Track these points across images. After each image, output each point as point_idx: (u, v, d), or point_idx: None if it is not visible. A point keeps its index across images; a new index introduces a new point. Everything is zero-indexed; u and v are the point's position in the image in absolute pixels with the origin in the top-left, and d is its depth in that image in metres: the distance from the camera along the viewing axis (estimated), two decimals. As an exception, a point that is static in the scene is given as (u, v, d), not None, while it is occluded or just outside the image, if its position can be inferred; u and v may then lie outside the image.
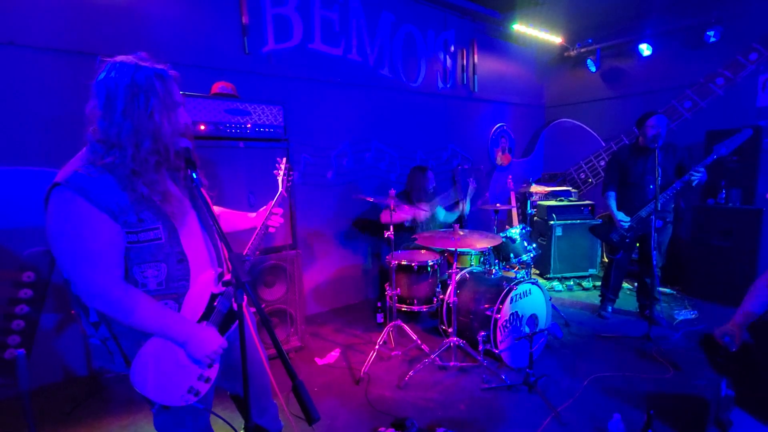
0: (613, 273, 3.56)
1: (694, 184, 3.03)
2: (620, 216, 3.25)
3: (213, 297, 1.27)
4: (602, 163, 5.38)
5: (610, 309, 3.65)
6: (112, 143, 1.10)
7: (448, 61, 4.75)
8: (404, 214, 3.48)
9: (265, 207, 1.64)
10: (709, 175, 4.00)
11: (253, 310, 1.64)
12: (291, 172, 1.80)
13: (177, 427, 1.29)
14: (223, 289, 1.29)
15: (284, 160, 1.81)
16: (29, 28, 2.45)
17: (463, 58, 4.89)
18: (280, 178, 1.76)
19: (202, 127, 2.50)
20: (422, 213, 3.56)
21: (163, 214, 1.15)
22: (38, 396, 2.48)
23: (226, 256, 1.30)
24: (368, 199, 2.93)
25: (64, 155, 2.63)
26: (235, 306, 1.30)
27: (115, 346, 1.18)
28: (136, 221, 1.10)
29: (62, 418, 2.28)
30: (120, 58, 1.15)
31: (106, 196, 1.07)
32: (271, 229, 1.60)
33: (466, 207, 3.76)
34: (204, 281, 1.25)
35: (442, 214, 3.80)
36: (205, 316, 1.25)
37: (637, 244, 3.44)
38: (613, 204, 3.32)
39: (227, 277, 1.33)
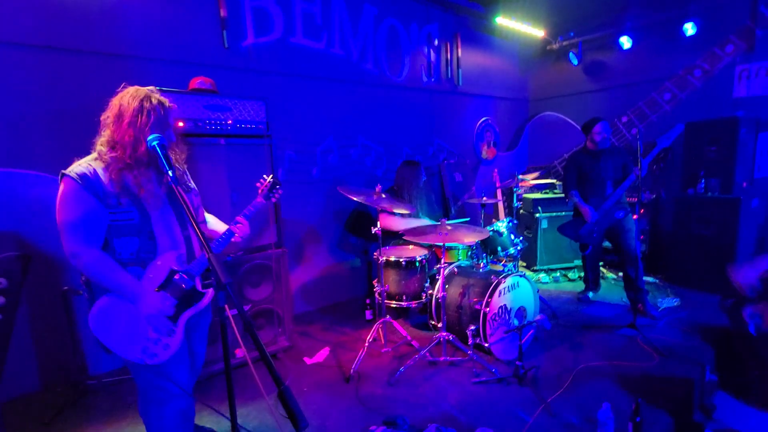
0: (588, 267, 3.84)
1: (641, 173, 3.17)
2: (590, 207, 3.41)
3: (172, 272, 1.52)
4: (585, 155, 5.45)
5: (590, 295, 3.86)
6: (116, 142, 1.44)
7: (432, 55, 4.72)
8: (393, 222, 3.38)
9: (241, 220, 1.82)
10: (688, 166, 4.13)
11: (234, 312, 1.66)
12: (278, 188, 1.87)
13: (155, 379, 1.53)
14: (185, 268, 1.55)
15: (270, 176, 1.88)
16: (-6, 22, 2.33)
17: (447, 52, 4.87)
18: (260, 191, 1.85)
19: (181, 124, 2.41)
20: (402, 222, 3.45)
21: (139, 202, 1.46)
22: (16, 406, 2.39)
23: (197, 246, 1.62)
24: (354, 198, 2.78)
25: (36, 155, 2.54)
26: (199, 286, 1.59)
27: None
28: (116, 204, 1.43)
29: (41, 428, 2.19)
30: (136, 87, 1.51)
31: (97, 183, 1.40)
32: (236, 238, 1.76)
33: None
34: (166, 258, 1.52)
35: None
36: (163, 287, 1.50)
37: (607, 243, 3.64)
38: (580, 199, 3.49)
39: (195, 265, 1.59)
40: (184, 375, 1.60)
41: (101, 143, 1.46)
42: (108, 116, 1.47)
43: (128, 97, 1.46)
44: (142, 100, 1.45)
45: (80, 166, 1.42)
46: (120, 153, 1.42)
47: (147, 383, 1.56)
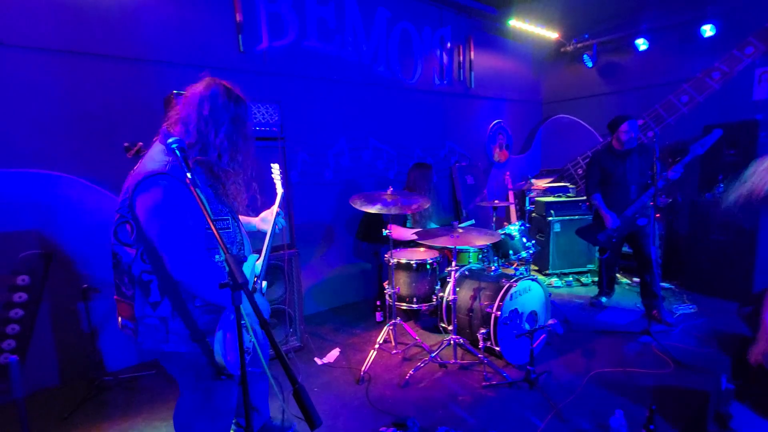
0: (604, 272, 3.74)
1: (670, 180, 3.15)
2: (612, 215, 3.31)
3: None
4: (599, 158, 5.38)
5: (604, 300, 3.78)
6: (191, 144, 1.26)
7: (445, 57, 4.72)
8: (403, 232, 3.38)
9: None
10: (706, 169, 4.06)
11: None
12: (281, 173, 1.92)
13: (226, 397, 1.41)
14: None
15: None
16: (18, 27, 2.41)
17: (459, 55, 4.87)
18: (278, 182, 1.90)
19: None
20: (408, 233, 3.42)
21: (229, 207, 1.34)
22: (35, 400, 2.46)
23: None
24: (369, 209, 2.75)
25: (58, 156, 2.61)
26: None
27: (176, 325, 1.25)
28: (218, 210, 1.29)
29: (59, 422, 2.25)
30: (213, 80, 1.35)
31: (200, 186, 1.19)
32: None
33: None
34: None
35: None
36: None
37: (626, 248, 3.54)
38: (602, 205, 3.38)
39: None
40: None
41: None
42: (188, 113, 1.29)
43: (209, 91, 1.30)
44: (216, 97, 1.29)
45: (169, 164, 1.20)
46: (208, 154, 1.26)
47: (214, 395, 1.38)
